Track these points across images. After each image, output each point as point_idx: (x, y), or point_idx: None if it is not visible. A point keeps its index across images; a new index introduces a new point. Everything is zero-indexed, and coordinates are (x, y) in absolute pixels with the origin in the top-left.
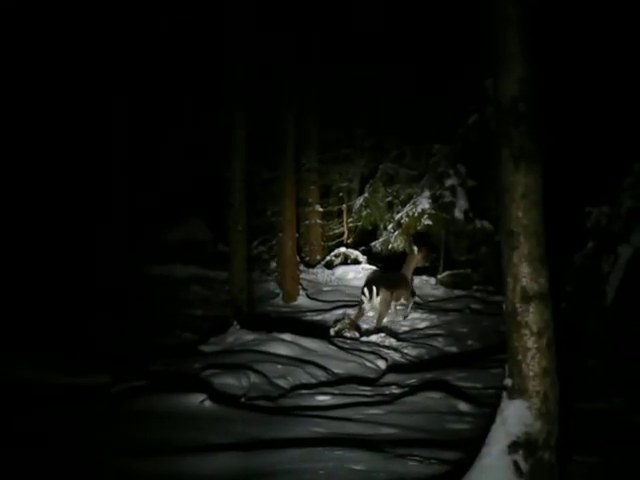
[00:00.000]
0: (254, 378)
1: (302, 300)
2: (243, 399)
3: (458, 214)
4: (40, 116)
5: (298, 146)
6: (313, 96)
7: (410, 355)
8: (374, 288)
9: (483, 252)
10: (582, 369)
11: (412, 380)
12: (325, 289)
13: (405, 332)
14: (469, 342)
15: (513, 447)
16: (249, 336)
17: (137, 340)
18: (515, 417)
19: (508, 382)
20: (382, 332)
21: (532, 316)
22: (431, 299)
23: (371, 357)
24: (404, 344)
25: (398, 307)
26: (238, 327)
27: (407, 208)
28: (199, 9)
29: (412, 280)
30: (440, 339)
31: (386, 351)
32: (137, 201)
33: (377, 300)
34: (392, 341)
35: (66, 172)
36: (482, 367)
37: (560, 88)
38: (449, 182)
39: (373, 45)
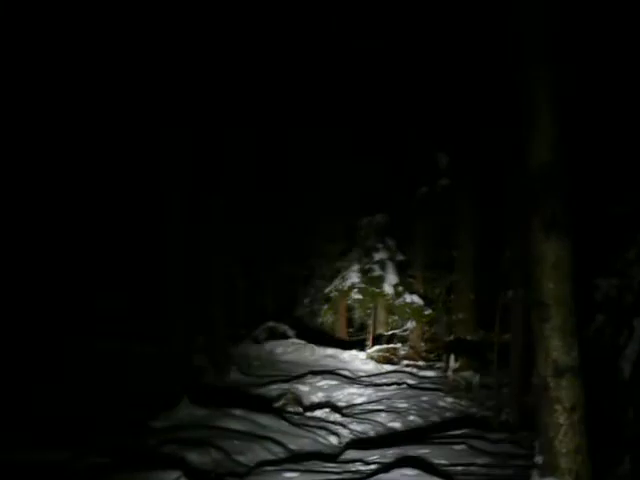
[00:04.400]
0: (215, 454)
1: (235, 375)
2: (213, 475)
3: (387, 288)
4: None
5: None
6: None
7: (357, 431)
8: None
9: (411, 326)
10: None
11: (374, 457)
12: (255, 364)
13: (345, 407)
14: (411, 417)
15: None
16: (200, 411)
17: (84, 414)
18: None
19: (539, 459)
20: (325, 407)
21: (564, 391)
22: (362, 374)
23: (322, 433)
24: (348, 420)
25: None
26: (188, 402)
27: (336, 282)
28: None
29: None
30: (382, 414)
31: (333, 427)
32: (73, 273)
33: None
34: (337, 416)
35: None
36: (441, 443)
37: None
38: (378, 256)
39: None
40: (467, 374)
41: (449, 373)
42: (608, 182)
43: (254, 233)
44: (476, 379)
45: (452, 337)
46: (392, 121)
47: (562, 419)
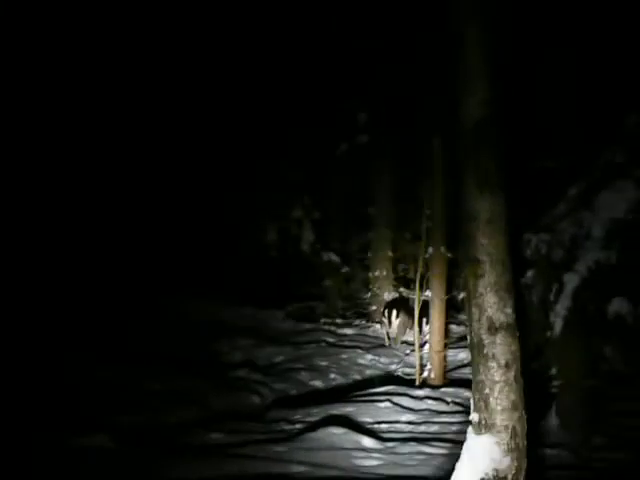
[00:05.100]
0: (140, 416)
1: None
2: None
3: (305, 247)
4: None
5: None
6: None
7: (278, 390)
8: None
9: (328, 284)
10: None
11: (299, 416)
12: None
13: (265, 366)
14: (332, 376)
15: None
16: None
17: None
18: (483, 453)
19: (475, 417)
20: (245, 367)
21: (499, 348)
22: (280, 332)
23: (244, 392)
24: (269, 378)
25: None
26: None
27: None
28: None
29: None
30: (303, 373)
31: (254, 386)
32: None
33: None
34: (257, 376)
35: None
36: (365, 401)
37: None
38: (295, 214)
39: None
40: (391, 331)
41: (391, 330)
42: (536, 136)
43: None
44: (397, 336)
45: (369, 294)
46: (309, 77)
47: (497, 376)
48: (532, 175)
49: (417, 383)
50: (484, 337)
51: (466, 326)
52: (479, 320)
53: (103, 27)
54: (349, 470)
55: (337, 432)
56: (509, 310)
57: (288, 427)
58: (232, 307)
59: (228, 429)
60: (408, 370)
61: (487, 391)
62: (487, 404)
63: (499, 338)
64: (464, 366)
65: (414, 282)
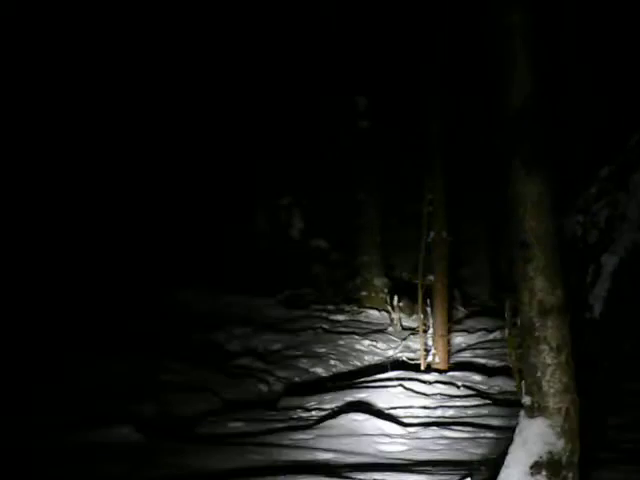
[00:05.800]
0: (159, 406)
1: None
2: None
3: (294, 233)
4: None
5: None
6: None
7: (282, 377)
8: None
9: (317, 271)
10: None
11: (312, 402)
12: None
13: (265, 353)
14: (332, 362)
15: (536, 468)
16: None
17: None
18: (536, 436)
19: (527, 400)
20: (246, 355)
21: (550, 331)
22: (274, 320)
23: (250, 380)
24: (271, 366)
25: None
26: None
27: None
28: None
29: None
30: (303, 360)
31: (258, 373)
32: None
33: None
34: (259, 364)
35: None
36: (377, 387)
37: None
38: (284, 201)
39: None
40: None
41: (394, 317)
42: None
43: None
44: (399, 321)
45: (359, 280)
46: (300, 60)
47: (549, 359)
48: (563, 157)
49: (422, 368)
50: (535, 320)
51: (457, 310)
52: (529, 303)
53: (104, 27)
54: (377, 456)
55: (358, 418)
56: (559, 292)
57: (306, 414)
58: (222, 296)
59: (245, 418)
60: (409, 355)
61: (539, 374)
62: (539, 387)
63: (550, 321)
64: (464, 350)
65: (404, 267)
